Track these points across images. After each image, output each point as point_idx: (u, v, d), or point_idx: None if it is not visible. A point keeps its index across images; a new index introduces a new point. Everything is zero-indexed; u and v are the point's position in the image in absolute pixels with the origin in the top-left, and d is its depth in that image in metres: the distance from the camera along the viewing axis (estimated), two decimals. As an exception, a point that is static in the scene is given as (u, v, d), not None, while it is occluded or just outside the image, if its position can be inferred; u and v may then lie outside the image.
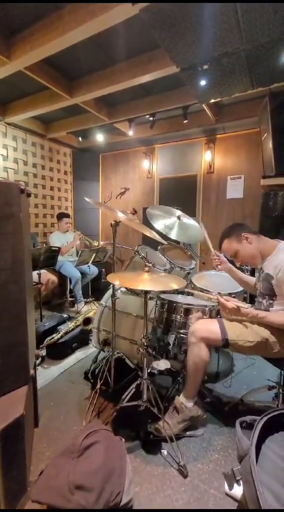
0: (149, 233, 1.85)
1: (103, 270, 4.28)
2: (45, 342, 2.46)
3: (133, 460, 1.44)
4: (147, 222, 2.20)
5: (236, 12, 1.65)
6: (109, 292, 2.21)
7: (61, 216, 4.02)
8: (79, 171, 5.13)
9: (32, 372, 1.48)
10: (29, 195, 1.51)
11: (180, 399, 1.63)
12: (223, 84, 2.46)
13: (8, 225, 1.29)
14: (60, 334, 2.53)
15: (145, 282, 1.49)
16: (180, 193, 4.53)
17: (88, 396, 1.95)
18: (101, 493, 1.05)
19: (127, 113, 3.61)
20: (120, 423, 1.66)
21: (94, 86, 2.90)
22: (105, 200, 3.09)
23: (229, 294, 1.90)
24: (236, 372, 2.33)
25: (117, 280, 1.58)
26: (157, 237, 1.93)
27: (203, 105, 3.13)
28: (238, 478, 1.07)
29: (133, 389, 1.63)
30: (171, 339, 2.22)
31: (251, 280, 1.87)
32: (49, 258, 3.14)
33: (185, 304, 1.84)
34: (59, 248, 3.30)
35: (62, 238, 3.93)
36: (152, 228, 2.07)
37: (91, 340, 2.66)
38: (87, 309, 3.49)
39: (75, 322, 2.71)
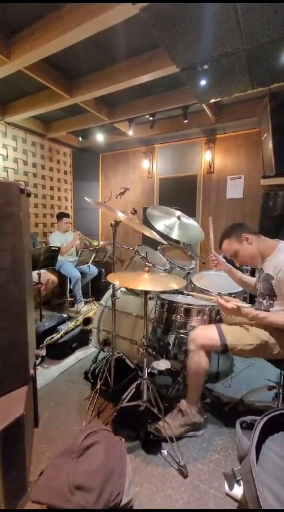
0: (149, 233, 1.85)
1: (103, 270, 4.28)
2: (45, 341, 2.46)
3: (133, 460, 1.44)
4: (147, 222, 2.20)
5: (237, 12, 1.65)
6: (109, 292, 2.20)
7: (61, 215, 4.02)
8: (79, 171, 5.13)
9: (31, 371, 1.48)
10: (29, 195, 1.51)
11: (185, 403, 1.63)
12: (223, 84, 2.46)
13: (8, 224, 1.29)
14: (60, 334, 2.53)
15: (145, 282, 1.48)
16: (180, 193, 4.53)
17: (88, 396, 1.95)
18: (101, 493, 1.05)
19: (127, 113, 3.60)
20: (120, 423, 1.66)
21: (94, 86, 2.89)
22: (105, 200, 3.09)
23: (229, 294, 1.90)
24: (236, 372, 2.33)
25: (117, 280, 1.58)
26: (157, 237, 1.93)
27: (203, 105, 3.13)
28: (238, 478, 1.07)
29: (133, 390, 1.62)
30: (171, 339, 2.22)
31: (251, 280, 1.87)
32: (49, 258, 3.14)
33: (185, 304, 1.84)
34: (59, 248, 3.30)
35: (62, 238, 3.92)
36: (152, 228, 2.07)
37: (91, 340, 2.66)
38: (87, 309, 3.49)
39: (75, 322, 2.71)
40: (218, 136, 4.14)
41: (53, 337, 2.49)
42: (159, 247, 2.29)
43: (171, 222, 2.18)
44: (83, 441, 1.18)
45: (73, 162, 5.10)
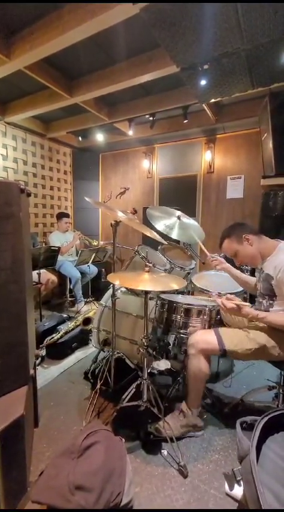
0: (149, 233, 1.85)
1: (103, 269, 4.28)
2: (45, 341, 2.46)
3: (133, 460, 1.44)
4: (147, 222, 2.20)
5: (237, 12, 1.65)
6: (109, 292, 2.20)
7: (60, 215, 4.02)
8: (79, 171, 5.13)
9: (31, 371, 1.48)
10: (29, 195, 1.51)
11: (186, 405, 1.63)
12: (223, 84, 2.46)
13: (8, 224, 1.29)
14: (59, 334, 2.53)
15: (145, 282, 1.48)
16: (179, 193, 4.53)
17: (88, 396, 1.95)
18: (101, 493, 1.05)
19: (127, 113, 3.60)
20: (120, 423, 1.65)
21: (94, 86, 2.89)
22: (104, 200, 3.09)
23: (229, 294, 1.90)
24: (236, 372, 2.32)
25: (117, 280, 1.57)
26: (157, 237, 1.93)
27: (203, 105, 3.13)
28: (238, 478, 1.07)
29: (133, 390, 1.62)
30: (171, 339, 2.22)
31: (251, 280, 1.86)
32: (49, 258, 3.14)
33: (185, 304, 1.84)
34: (59, 248, 3.30)
35: (62, 238, 3.92)
36: (152, 228, 2.07)
37: (91, 340, 2.66)
38: (87, 308, 3.49)
39: (75, 322, 2.71)
40: (218, 136, 4.14)
41: (52, 337, 2.49)
42: (159, 247, 2.29)
43: (171, 222, 2.18)
44: (83, 441, 1.18)
45: (73, 162, 5.10)
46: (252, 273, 2.07)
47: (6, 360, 1.31)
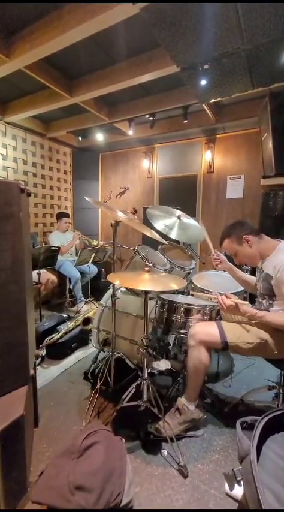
0: (149, 233, 1.85)
1: (103, 269, 4.28)
2: (45, 341, 2.46)
3: (133, 461, 1.44)
4: (147, 222, 2.20)
5: (237, 12, 1.65)
6: (109, 292, 2.20)
7: (60, 215, 4.02)
8: (79, 171, 5.13)
9: (31, 371, 1.48)
10: (28, 195, 1.51)
11: (182, 401, 1.63)
12: (224, 84, 2.46)
13: (8, 224, 1.28)
14: (59, 334, 2.52)
15: (145, 282, 1.48)
16: (179, 193, 4.53)
17: (88, 396, 1.95)
18: (101, 493, 1.05)
19: (127, 113, 3.60)
20: (120, 423, 1.65)
21: (94, 85, 2.89)
22: (104, 200, 3.09)
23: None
24: (236, 372, 2.32)
25: (117, 280, 1.57)
26: (157, 237, 1.93)
27: (203, 105, 3.13)
28: (238, 478, 1.07)
29: (133, 390, 1.62)
30: (171, 339, 2.22)
31: (252, 279, 1.87)
32: (49, 258, 3.14)
33: (185, 304, 1.84)
34: (59, 248, 3.30)
35: (62, 238, 3.92)
36: (152, 227, 2.07)
37: (91, 340, 2.65)
38: (87, 308, 3.49)
39: (75, 322, 2.71)
40: (218, 136, 4.14)
41: (52, 337, 2.49)
42: (159, 247, 2.28)
43: (171, 222, 2.18)
44: (83, 441, 1.18)
45: (73, 161, 5.10)
46: (252, 273, 2.07)
47: (6, 360, 1.31)
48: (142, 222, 2.33)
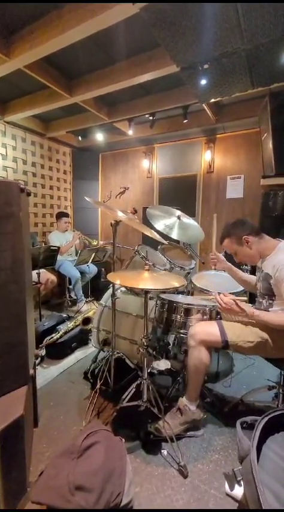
0: (149, 233, 1.84)
1: (103, 269, 4.28)
2: (45, 341, 2.46)
3: (133, 461, 1.44)
4: (146, 222, 2.20)
5: (237, 11, 1.64)
6: (109, 291, 2.20)
7: (60, 215, 4.01)
8: (78, 171, 5.12)
9: (31, 371, 1.48)
10: (28, 194, 1.51)
11: (183, 401, 1.63)
12: (224, 84, 2.46)
13: (8, 224, 1.28)
14: (59, 334, 2.52)
15: (145, 280, 1.48)
16: (179, 193, 4.53)
17: (88, 396, 1.95)
18: (101, 493, 1.05)
19: (127, 112, 3.60)
20: (120, 423, 1.65)
21: (94, 85, 2.89)
22: (104, 200, 3.09)
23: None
24: (236, 371, 2.32)
25: (117, 279, 1.57)
26: (157, 237, 1.93)
27: (203, 104, 3.12)
28: (239, 478, 1.07)
29: (133, 390, 1.62)
30: (171, 338, 2.22)
31: (252, 278, 1.87)
32: (48, 258, 3.13)
33: (185, 304, 1.84)
34: (58, 247, 3.29)
35: (61, 238, 3.92)
36: (152, 227, 2.07)
37: (90, 340, 2.65)
38: (87, 308, 3.49)
39: (75, 322, 2.71)
40: (218, 136, 4.14)
41: (52, 337, 2.49)
42: (159, 247, 2.28)
43: (171, 222, 2.18)
44: (83, 441, 1.18)
45: (73, 161, 5.09)
46: (252, 272, 2.07)
47: (6, 360, 1.31)
48: (142, 222, 2.32)
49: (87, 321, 2.71)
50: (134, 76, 2.61)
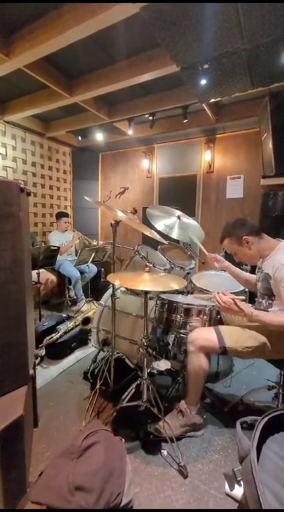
0: (149, 233, 1.84)
1: (103, 269, 4.27)
2: (45, 341, 2.45)
3: (133, 461, 1.44)
4: (146, 222, 2.20)
5: (237, 11, 1.64)
6: (109, 291, 2.20)
7: (60, 215, 4.01)
8: (78, 170, 5.12)
9: (31, 371, 1.47)
10: (28, 194, 1.51)
11: (184, 404, 1.63)
12: (223, 84, 2.46)
13: (8, 224, 1.28)
14: (59, 334, 2.52)
15: (145, 282, 1.48)
16: (179, 193, 4.53)
17: (88, 396, 1.94)
18: (101, 493, 1.04)
19: (126, 112, 3.60)
20: (119, 423, 1.65)
21: (94, 85, 2.89)
22: (104, 199, 3.09)
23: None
24: (236, 371, 2.32)
25: (117, 280, 1.57)
26: (157, 237, 1.93)
27: (203, 104, 3.12)
28: (239, 478, 1.07)
29: (133, 390, 1.62)
30: (171, 339, 2.21)
31: (252, 277, 1.87)
32: (48, 258, 3.13)
33: (185, 304, 1.83)
34: (58, 247, 3.29)
35: (61, 238, 3.92)
36: (152, 227, 2.07)
37: (90, 340, 2.65)
38: (87, 308, 3.49)
39: (74, 322, 2.70)
40: (218, 136, 4.14)
41: (52, 337, 2.48)
42: (159, 247, 2.28)
43: (171, 222, 2.18)
44: (83, 441, 1.18)
45: (73, 161, 5.09)
46: (252, 272, 2.07)
47: (5, 360, 1.31)
48: (142, 222, 2.32)
49: (86, 320, 2.71)
50: (134, 76, 2.61)
